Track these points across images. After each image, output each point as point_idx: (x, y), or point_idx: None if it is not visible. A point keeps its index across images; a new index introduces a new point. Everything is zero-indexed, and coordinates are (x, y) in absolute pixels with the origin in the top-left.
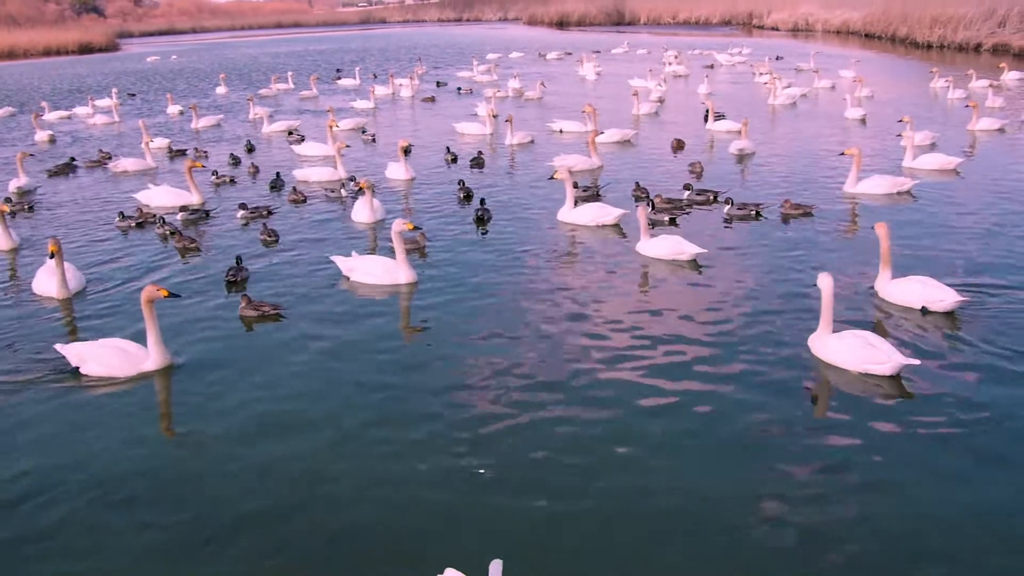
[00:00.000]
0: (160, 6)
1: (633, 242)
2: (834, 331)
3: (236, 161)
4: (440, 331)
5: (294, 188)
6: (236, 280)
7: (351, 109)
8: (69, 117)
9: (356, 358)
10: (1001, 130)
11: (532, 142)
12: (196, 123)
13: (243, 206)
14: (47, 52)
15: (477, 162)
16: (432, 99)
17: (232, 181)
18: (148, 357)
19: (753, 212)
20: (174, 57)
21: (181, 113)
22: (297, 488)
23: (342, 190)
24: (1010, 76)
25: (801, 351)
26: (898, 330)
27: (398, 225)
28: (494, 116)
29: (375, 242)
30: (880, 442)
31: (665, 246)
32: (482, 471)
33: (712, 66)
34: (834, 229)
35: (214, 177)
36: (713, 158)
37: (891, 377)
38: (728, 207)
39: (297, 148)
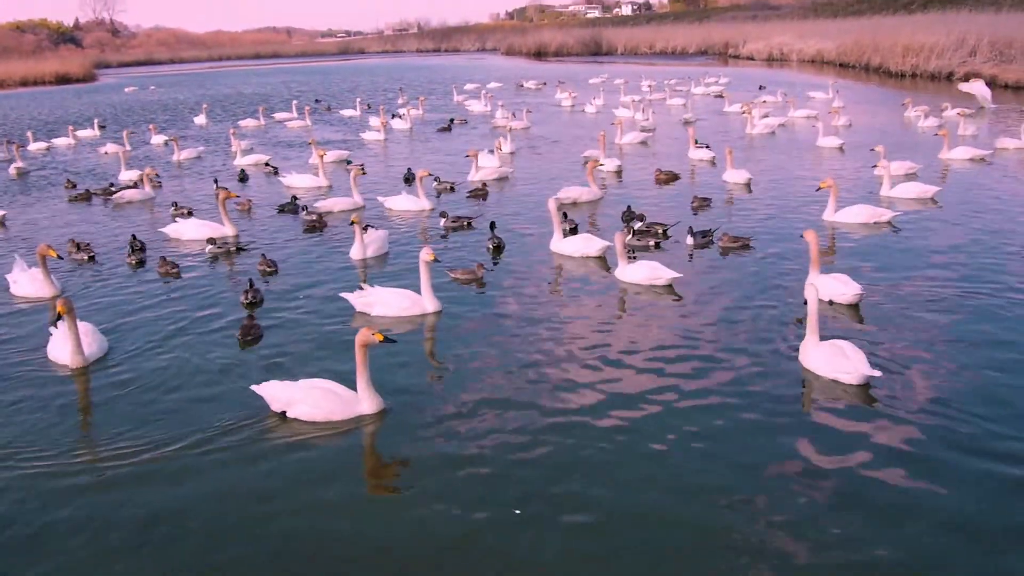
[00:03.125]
0: (138, 36)
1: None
2: (822, 339)
3: (293, 208)
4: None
5: (318, 214)
6: (253, 302)
7: (359, 140)
8: (48, 149)
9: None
10: (983, 160)
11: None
12: (178, 155)
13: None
14: (24, 83)
15: (479, 193)
16: (448, 128)
17: (190, 213)
18: (361, 401)
19: (718, 240)
20: (152, 88)
21: (165, 144)
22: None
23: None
24: (975, 87)
25: (780, 365)
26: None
27: (426, 254)
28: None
29: (364, 279)
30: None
31: (642, 272)
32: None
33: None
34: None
35: (173, 208)
36: (696, 188)
37: (861, 386)
38: (691, 238)
39: (286, 180)
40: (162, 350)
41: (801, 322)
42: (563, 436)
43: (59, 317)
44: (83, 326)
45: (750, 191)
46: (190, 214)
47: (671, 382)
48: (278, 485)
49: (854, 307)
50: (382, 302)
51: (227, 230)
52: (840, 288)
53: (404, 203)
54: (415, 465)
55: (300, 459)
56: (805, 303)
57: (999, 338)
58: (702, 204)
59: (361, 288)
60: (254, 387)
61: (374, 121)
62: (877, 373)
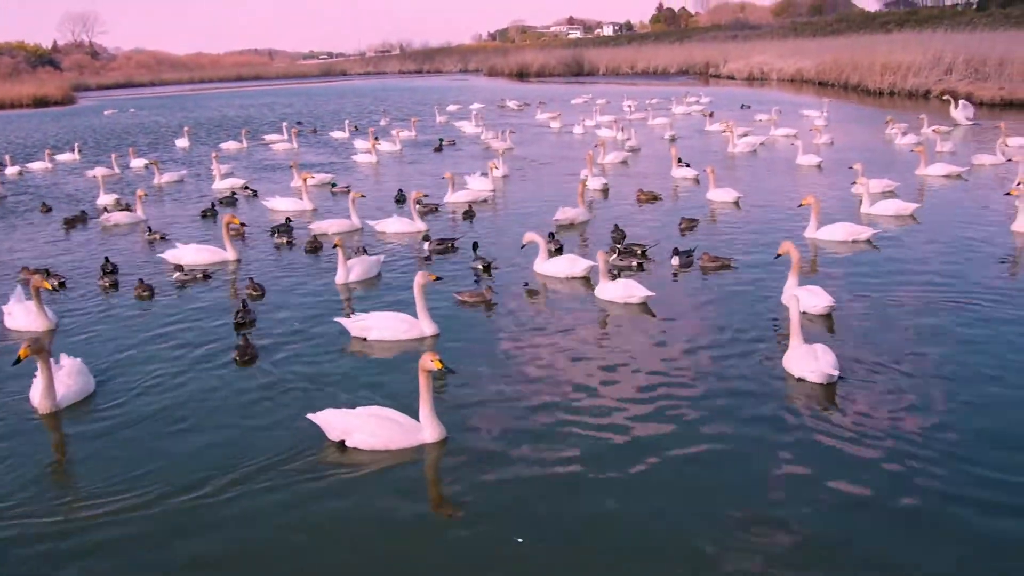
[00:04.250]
0: (118, 59)
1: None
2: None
3: (214, 213)
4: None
5: (314, 237)
6: (244, 322)
7: (348, 163)
8: (20, 174)
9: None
10: (958, 176)
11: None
12: (159, 179)
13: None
14: (0, 106)
15: (467, 214)
16: (440, 149)
17: (163, 238)
18: (423, 429)
19: (697, 260)
20: (132, 111)
21: (145, 167)
22: None
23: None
24: (958, 113)
25: (758, 380)
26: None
27: (421, 277)
28: (495, 169)
29: (349, 302)
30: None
31: (617, 290)
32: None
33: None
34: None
35: (147, 233)
36: (680, 207)
37: (829, 385)
38: (677, 258)
39: (269, 203)
40: (162, 382)
41: (782, 341)
42: (614, 462)
43: (17, 360)
44: (72, 363)
45: (739, 208)
46: (163, 239)
47: (682, 402)
48: (339, 516)
49: (827, 317)
50: (379, 326)
51: (228, 255)
52: (812, 300)
53: (397, 225)
54: (478, 493)
55: (361, 489)
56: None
57: (977, 349)
58: (689, 225)
59: (352, 314)
60: (310, 416)
61: (361, 143)
62: (836, 373)
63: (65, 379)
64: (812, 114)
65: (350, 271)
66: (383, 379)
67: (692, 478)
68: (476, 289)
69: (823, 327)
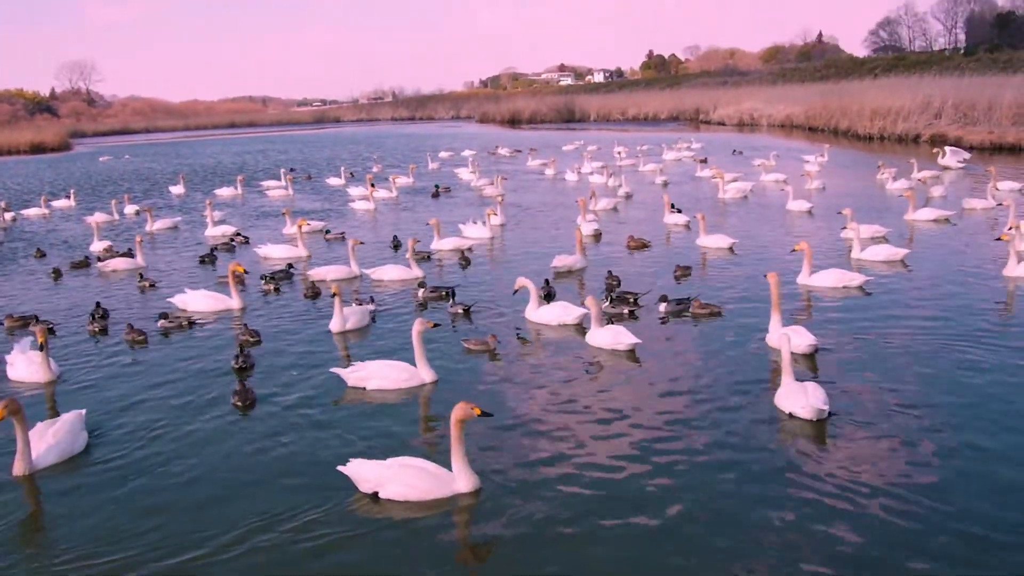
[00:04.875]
0: (114, 106)
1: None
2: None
3: (212, 259)
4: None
5: (312, 282)
6: (245, 367)
7: (345, 210)
8: (14, 219)
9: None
10: (947, 220)
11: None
12: (151, 226)
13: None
14: None
15: (463, 261)
16: (436, 195)
17: (152, 285)
18: (456, 479)
19: (689, 307)
20: (127, 157)
21: (137, 214)
22: None
23: (369, 303)
24: (948, 159)
25: (746, 425)
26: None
27: (420, 324)
28: (493, 217)
29: (345, 351)
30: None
31: (606, 336)
32: None
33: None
34: (790, 319)
35: (139, 279)
36: (673, 253)
37: (819, 421)
38: (664, 305)
39: (262, 250)
40: (163, 433)
41: (774, 380)
42: (648, 507)
43: None
44: (66, 419)
45: (733, 253)
46: (152, 286)
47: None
48: (375, 572)
49: (811, 357)
50: (378, 375)
51: (234, 303)
52: (796, 339)
53: (394, 272)
54: (513, 544)
55: (395, 542)
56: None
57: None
58: (684, 273)
59: (350, 363)
60: (341, 468)
61: (356, 190)
62: (826, 408)
63: (50, 439)
64: (812, 159)
65: (347, 320)
66: (387, 427)
67: (694, 525)
68: (481, 337)
69: (807, 366)
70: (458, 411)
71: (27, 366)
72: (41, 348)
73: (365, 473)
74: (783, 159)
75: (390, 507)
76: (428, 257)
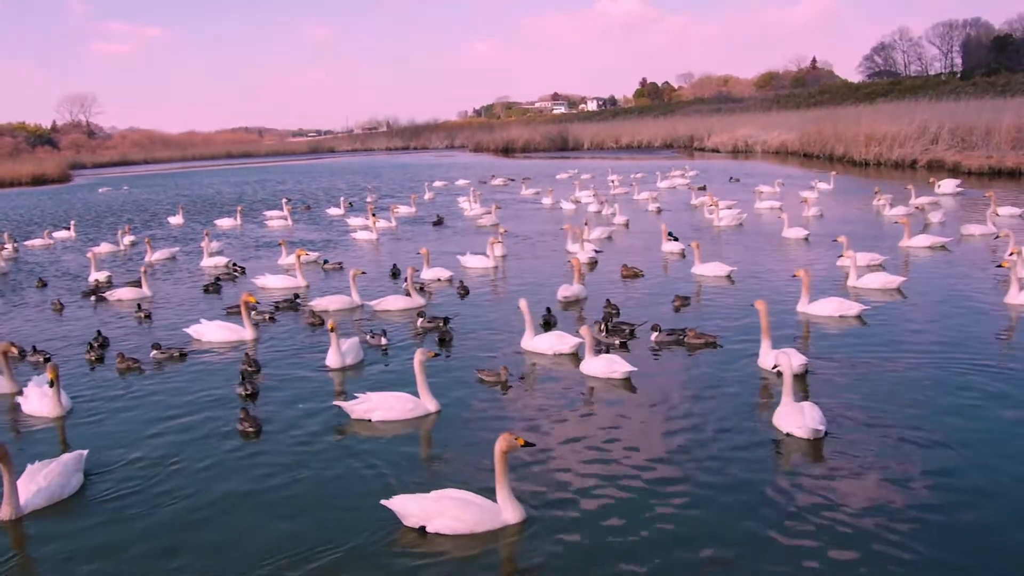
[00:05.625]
0: (113, 138)
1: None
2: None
3: (216, 288)
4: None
5: (311, 311)
6: (250, 393)
7: (347, 240)
8: (16, 250)
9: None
10: (943, 247)
11: None
12: (150, 256)
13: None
14: (0, 184)
15: (462, 289)
16: (440, 223)
17: (148, 316)
18: (503, 511)
19: (682, 337)
20: (125, 188)
21: (133, 244)
22: None
23: (382, 337)
24: (944, 187)
25: (746, 441)
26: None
27: (421, 355)
28: (496, 247)
29: (342, 386)
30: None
31: (600, 365)
32: None
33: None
34: (789, 346)
35: (136, 310)
36: (670, 282)
37: (815, 440)
38: (656, 334)
39: (259, 281)
40: (177, 469)
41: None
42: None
43: None
44: (68, 457)
45: (731, 281)
46: (147, 317)
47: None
48: None
49: (801, 378)
50: (384, 407)
51: (247, 334)
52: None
53: (400, 303)
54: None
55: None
56: (779, 374)
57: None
58: (683, 303)
59: (354, 396)
60: (384, 502)
61: (356, 220)
62: (823, 428)
63: (41, 481)
64: (822, 186)
65: (345, 356)
66: (400, 458)
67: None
68: (493, 368)
69: (798, 387)
70: (502, 443)
71: (40, 400)
72: (51, 385)
73: (411, 507)
74: (788, 186)
75: (437, 541)
76: (422, 288)
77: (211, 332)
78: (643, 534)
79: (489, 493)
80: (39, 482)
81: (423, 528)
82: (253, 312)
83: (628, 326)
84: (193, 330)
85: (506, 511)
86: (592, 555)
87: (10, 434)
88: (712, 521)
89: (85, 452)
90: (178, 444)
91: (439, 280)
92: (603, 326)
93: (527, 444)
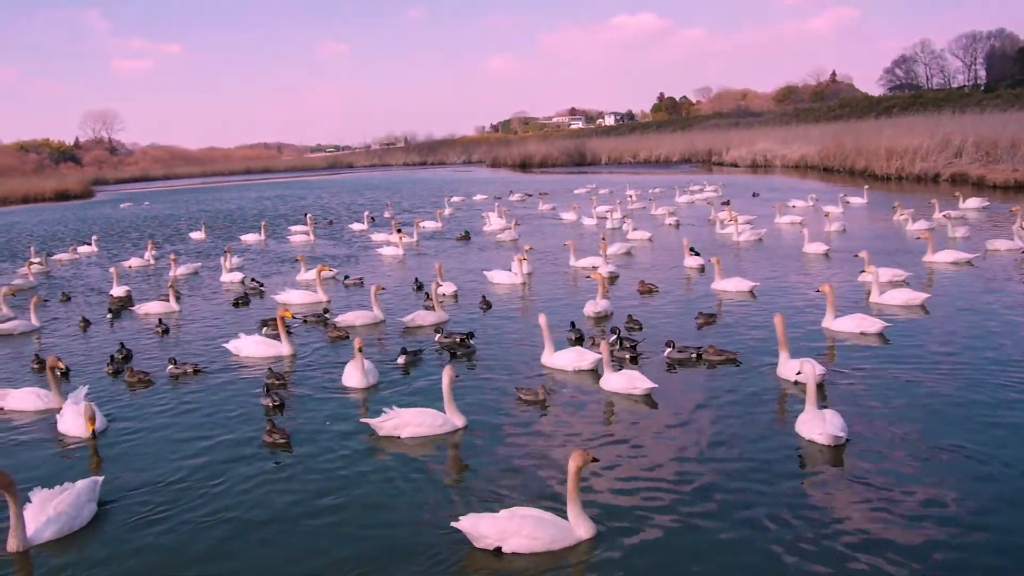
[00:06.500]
0: (134, 154)
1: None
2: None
3: (246, 302)
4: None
5: (335, 326)
6: (278, 404)
7: (373, 255)
8: (42, 263)
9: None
10: (968, 263)
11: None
12: (174, 271)
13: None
14: (25, 199)
15: (484, 304)
16: (466, 237)
17: (166, 331)
18: (575, 527)
19: (694, 355)
20: (146, 203)
21: (156, 260)
22: None
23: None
24: (969, 203)
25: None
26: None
27: (451, 370)
28: (523, 263)
29: (365, 407)
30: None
31: (620, 381)
32: None
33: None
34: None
35: (158, 326)
36: (691, 298)
37: (835, 447)
38: (668, 351)
39: (280, 297)
40: (196, 494)
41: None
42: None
43: None
44: (83, 484)
45: (754, 297)
46: (167, 332)
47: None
48: None
49: (819, 387)
50: (413, 423)
51: (284, 349)
52: (805, 368)
53: (427, 318)
54: None
55: None
56: (795, 383)
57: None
58: (707, 321)
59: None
60: (455, 524)
61: (378, 236)
62: (843, 435)
63: (50, 511)
64: (856, 200)
65: (368, 375)
66: (432, 474)
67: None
68: (532, 387)
69: (817, 396)
70: (577, 459)
71: (74, 420)
72: (91, 422)
73: (484, 528)
74: (822, 200)
75: (510, 559)
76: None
77: (249, 347)
78: (701, 544)
79: (525, 504)
80: (48, 512)
81: (498, 549)
82: (266, 328)
83: (631, 342)
84: (232, 345)
85: (579, 527)
86: (664, 566)
87: (43, 452)
88: (758, 526)
89: (100, 479)
90: (205, 466)
91: (444, 296)
92: (618, 340)
93: (594, 460)
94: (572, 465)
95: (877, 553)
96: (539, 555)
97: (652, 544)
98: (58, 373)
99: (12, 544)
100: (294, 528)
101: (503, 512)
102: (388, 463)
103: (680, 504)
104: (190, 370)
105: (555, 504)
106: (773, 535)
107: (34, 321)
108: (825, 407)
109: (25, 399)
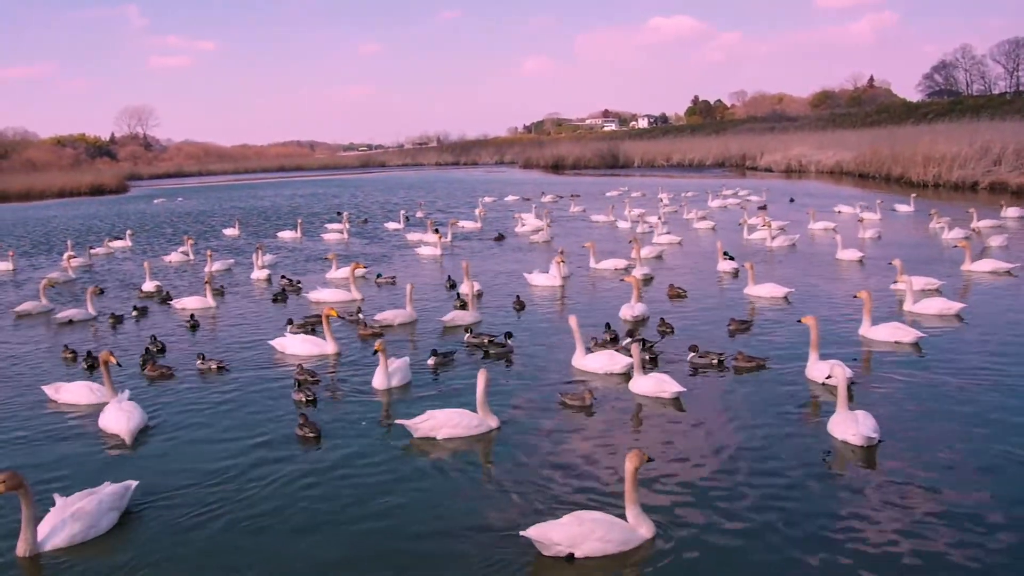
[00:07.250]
0: (168, 150)
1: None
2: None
3: (284, 298)
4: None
5: (365, 323)
6: (311, 399)
7: (408, 254)
8: (77, 255)
9: None
10: (1008, 273)
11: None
12: (210, 267)
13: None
14: (61, 194)
15: (518, 304)
16: (501, 238)
17: (193, 327)
18: (637, 528)
19: (715, 361)
20: (180, 199)
21: (195, 255)
22: None
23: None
24: (1010, 212)
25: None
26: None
27: (486, 372)
28: (561, 266)
29: (388, 411)
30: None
31: (649, 384)
32: None
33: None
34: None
35: (190, 320)
36: (721, 303)
37: (867, 447)
38: (692, 355)
39: (312, 295)
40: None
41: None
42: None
43: None
44: (112, 489)
45: (788, 303)
46: (196, 328)
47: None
48: None
49: (848, 389)
50: (449, 424)
51: (329, 348)
52: (836, 370)
53: (465, 317)
54: None
55: None
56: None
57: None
58: (740, 327)
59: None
60: (524, 533)
61: (413, 235)
62: (876, 436)
63: (67, 515)
64: (903, 208)
65: (392, 376)
66: (462, 473)
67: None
68: (577, 392)
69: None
70: (634, 459)
71: (116, 417)
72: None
73: (554, 536)
74: (870, 208)
75: (585, 565)
76: (464, 304)
77: (295, 345)
78: (751, 541)
79: (569, 507)
80: (64, 518)
81: (571, 555)
82: (290, 325)
83: (649, 342)
84: (277, 343)
85: (640, 527)
86: (721, 563)
87: (88, 449)
88: (793, 523)
89: (133, 484)
90: (240, 469)
91: (466, 295)
92: (641, 341)
93: (650, 460)
94: (629, 465)
95: (914, 555)
96: (609, 557)
97: (699, 542)
98: (110, 367)
99: (21, 548)
100: (343, 531)
101: (566, 517)
102: (427, 465)
103: (718, 500)
104: (214, 367)
105: (599, 504)
106: (810, 532)
107: (91, 310)
108: (856, 409)
109: (78, 393)
